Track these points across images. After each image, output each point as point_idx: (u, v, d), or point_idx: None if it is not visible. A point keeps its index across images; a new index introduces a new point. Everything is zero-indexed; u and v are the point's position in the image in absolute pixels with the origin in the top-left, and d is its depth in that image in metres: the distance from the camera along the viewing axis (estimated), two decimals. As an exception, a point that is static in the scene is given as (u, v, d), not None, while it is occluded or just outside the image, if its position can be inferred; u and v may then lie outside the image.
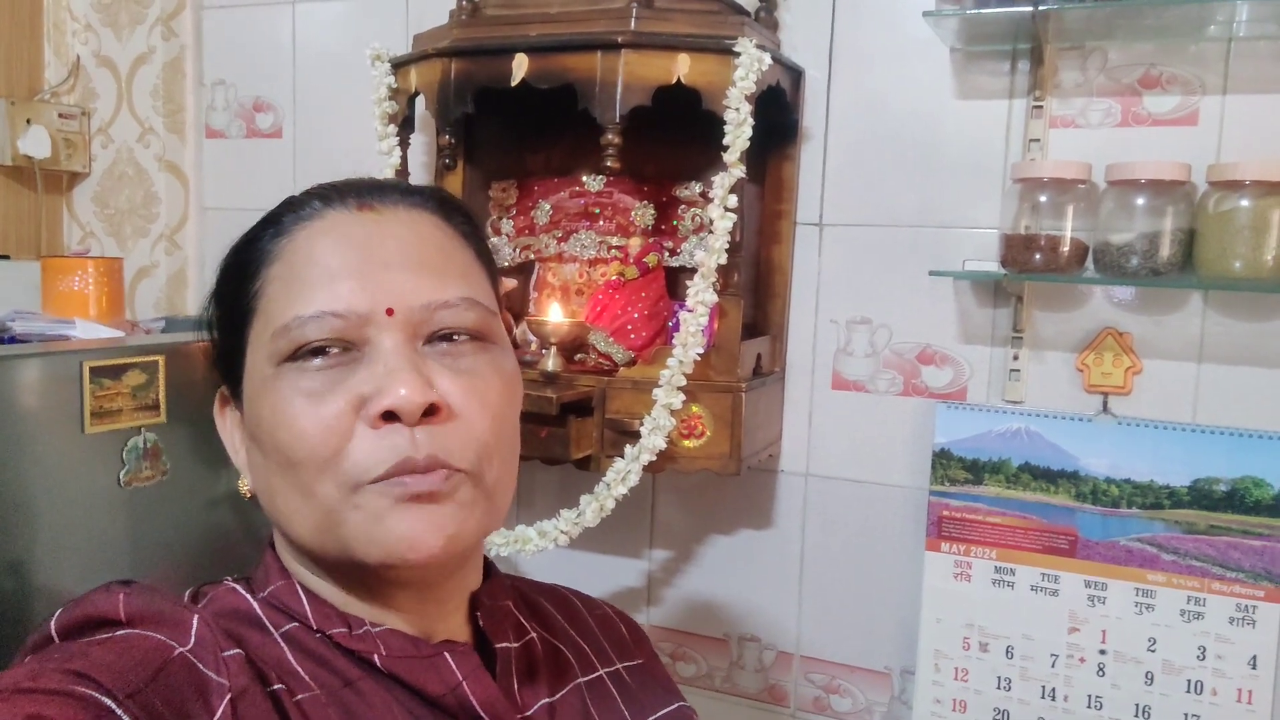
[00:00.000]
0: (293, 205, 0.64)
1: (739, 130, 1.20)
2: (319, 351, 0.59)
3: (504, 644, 0.67)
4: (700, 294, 1.23)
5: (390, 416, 0.57)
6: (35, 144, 1.80)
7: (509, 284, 1.46)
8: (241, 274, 0.64)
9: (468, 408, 0.60)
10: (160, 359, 1.25)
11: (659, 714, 0.75)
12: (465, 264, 0.65)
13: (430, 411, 0.58)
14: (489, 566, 0.73)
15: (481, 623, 0.67)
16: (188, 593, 0.64)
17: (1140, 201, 1.18)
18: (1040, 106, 1.29)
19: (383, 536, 0.57)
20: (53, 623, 0.56)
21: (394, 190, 0.65)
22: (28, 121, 1.79)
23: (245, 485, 0.66)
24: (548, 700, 0.68)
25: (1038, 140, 1.30)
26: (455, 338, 0.61)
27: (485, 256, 0.68)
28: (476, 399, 0.60)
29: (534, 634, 0.72)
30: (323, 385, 0.58)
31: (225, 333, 0.66)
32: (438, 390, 0.58)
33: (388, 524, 0.57)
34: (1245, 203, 1.13)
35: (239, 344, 0.63)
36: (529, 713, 0.66)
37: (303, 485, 0.58)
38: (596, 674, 0.74)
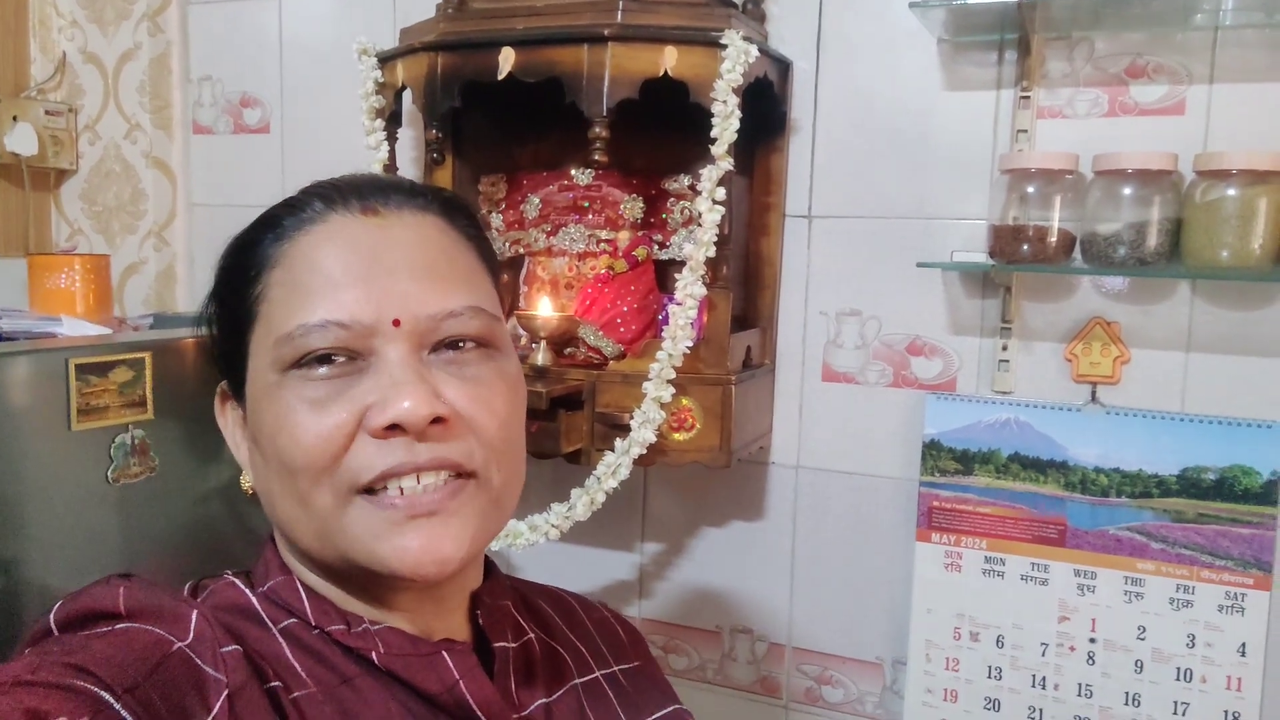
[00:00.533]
0: (293, 206, 0.63)
1: (726, 123, 1.20)
2: (324, 360, 0.58)
3: (502, 643, 0.67)
4: (689, 287, 1.23)
5: (395, 429, 0.57)
6: (22, 141, 1.79)
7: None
8: (242, 277, 0.63)
9: (476, 415, 0.59)
10: (147, 355, 1.24)
11: (655, 716, 0.75)
12: (470, 269, 0.64)
13: (437, 422, 0.57)
14: (489, 565, 0.73)
15: (481, 621, 0.67)
16: (188, 586, 0.64)
17: (1127, 191, 1.18)
18: (1027, 97, 1.29)
19: (385, 554, 0.57)
20: (52, 615, 0.56)
21: (397, 191, 0.64)
22: (14, 119, 1.79)
23: (247, 482, 0.66)
24: (544, 701, 0.68)
25: (1025, 131, 1.30)
26: (461, 345, 0.61)
27: (488, 257, 0.68)
28: (484, 407, 0.60)
29: (532, 635, 0.71)
30: (326, 394, 0.58)
31: (226, 334, 0.65)
32: (445, 400, 0.58)
33: (392, 542, 0.57)
34: (1232, 192, 1.13)
35: (240, 346, 0.63)
36: (526, 712, 0.66)
37: (300, 494, 0.58)
38: (593, 676, 0.74)
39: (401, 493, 0.58)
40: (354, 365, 0.58)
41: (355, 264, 0.59)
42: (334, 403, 0.57)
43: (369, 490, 0.58)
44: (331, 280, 0.59)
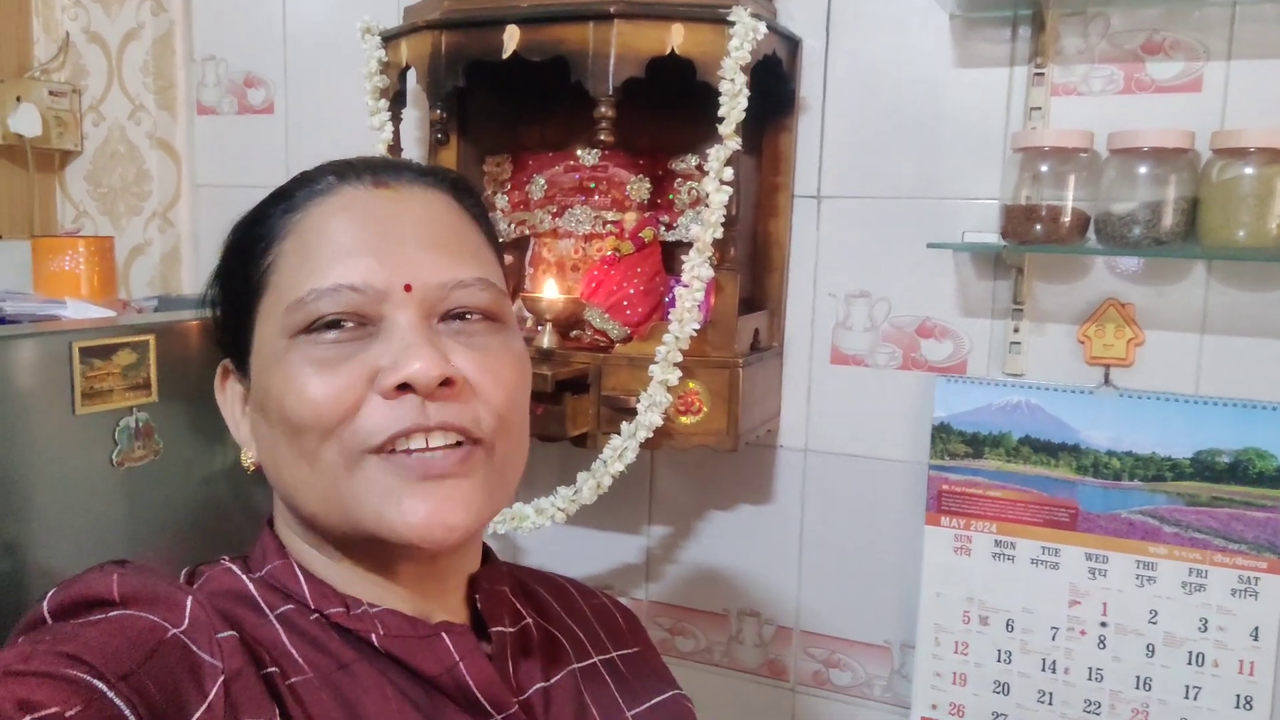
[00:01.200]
0: (305, 180, 0.64)
1: (734, 101, 1.18)
2: (333, 325, 0.59)
3: (500, 628, 0.67)
4: (696, 269, 1.22)
5: (404, 389, 0.57)
6: (26, 122, 1.78)
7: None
8: (251, 249, 0.63)
9: (483, 382, 0.60)
10: (151, 338, 1.24)
11: (653, 701, 0.75)
12: (478, 245, 0.65)
13: (446, 384, 0.58)
14: (487, 551, 0.73)
15: (480, 605, 0.67)
16: (183, 572, 0.65)
17: (1143, 170, 1.16)
18: (1041, 74, 1.27)
19: (393, 517, 0.57)
20: (46, 603, 0.56)
21: (408, 169, 0.65)
22: (18, 99, 1.78)
23: (248, 458, 0.67)
24: (542, 685, 0.68)
25: (1039, 109, 1.28)
26: (469, 316, 0.62)
27: (493, 239, 0.69)
28: (491, 375, 0.60)
29: (530, 620, 0.71)
30: (335, 356, 0.58)
31: (233, 308, 0.65)
32: (454, 365, 0.59)
33: (401, 504, 0.57)
34: (1249, 170, 1.11)
35: (247, 319, 0.63)
36: (524, 696, 0.66)
37: (308, 453, 0.58)
38: (591, 661, 0.74)
39: (413, 454, 0.58)
40: (364, 330, 0.59)
41: (366, 234, 0.60)
42: (344, 364, 0.58)
43: (379, 452, 0.58)
44: (343, 248, 0.59)
